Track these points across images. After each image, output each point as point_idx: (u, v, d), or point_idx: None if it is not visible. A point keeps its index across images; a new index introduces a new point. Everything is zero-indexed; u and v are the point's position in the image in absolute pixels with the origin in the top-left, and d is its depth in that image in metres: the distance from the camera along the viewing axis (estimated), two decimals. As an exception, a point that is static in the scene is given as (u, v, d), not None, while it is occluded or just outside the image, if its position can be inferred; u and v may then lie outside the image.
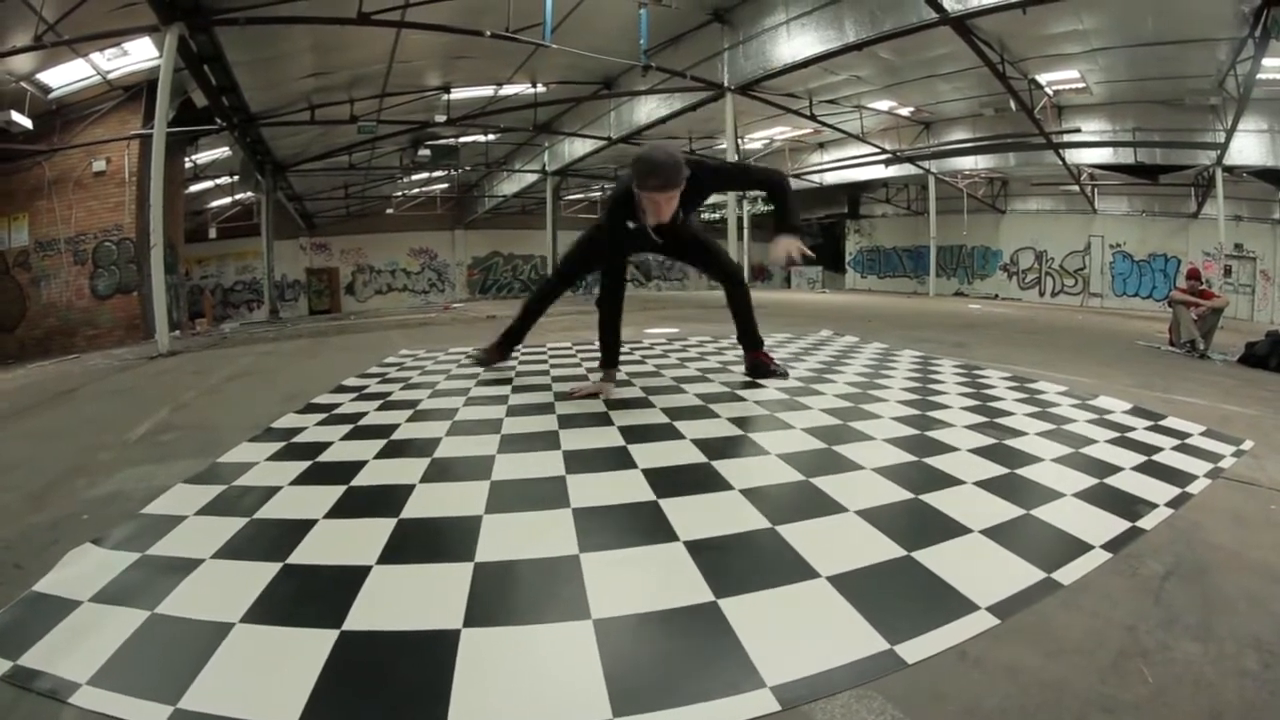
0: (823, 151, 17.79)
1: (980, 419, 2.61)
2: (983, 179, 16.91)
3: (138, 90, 8.86)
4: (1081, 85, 10.66)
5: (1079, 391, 3.23)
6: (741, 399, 2.93)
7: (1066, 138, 11.83)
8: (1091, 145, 11.99)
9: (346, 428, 2.56)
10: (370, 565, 1.41)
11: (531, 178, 18.94)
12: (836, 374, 3.59)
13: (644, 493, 1.76)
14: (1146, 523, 1.61)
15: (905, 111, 13.94)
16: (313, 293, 19.55)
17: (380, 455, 2.18)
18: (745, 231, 21.15)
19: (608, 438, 2.29)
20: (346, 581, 1.33)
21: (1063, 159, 12.29)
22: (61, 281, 9.18)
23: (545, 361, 4.20)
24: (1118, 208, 15.09)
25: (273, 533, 1.59)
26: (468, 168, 17.93)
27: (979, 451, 2.16)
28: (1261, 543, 1.50)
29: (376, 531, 1.57)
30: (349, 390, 3.37)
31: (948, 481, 1.86)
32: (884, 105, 13.58)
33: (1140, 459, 2.16)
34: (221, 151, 12.48)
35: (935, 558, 1.39)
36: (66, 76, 8.51)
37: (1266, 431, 2.64)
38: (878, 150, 14.86)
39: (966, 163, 14.94)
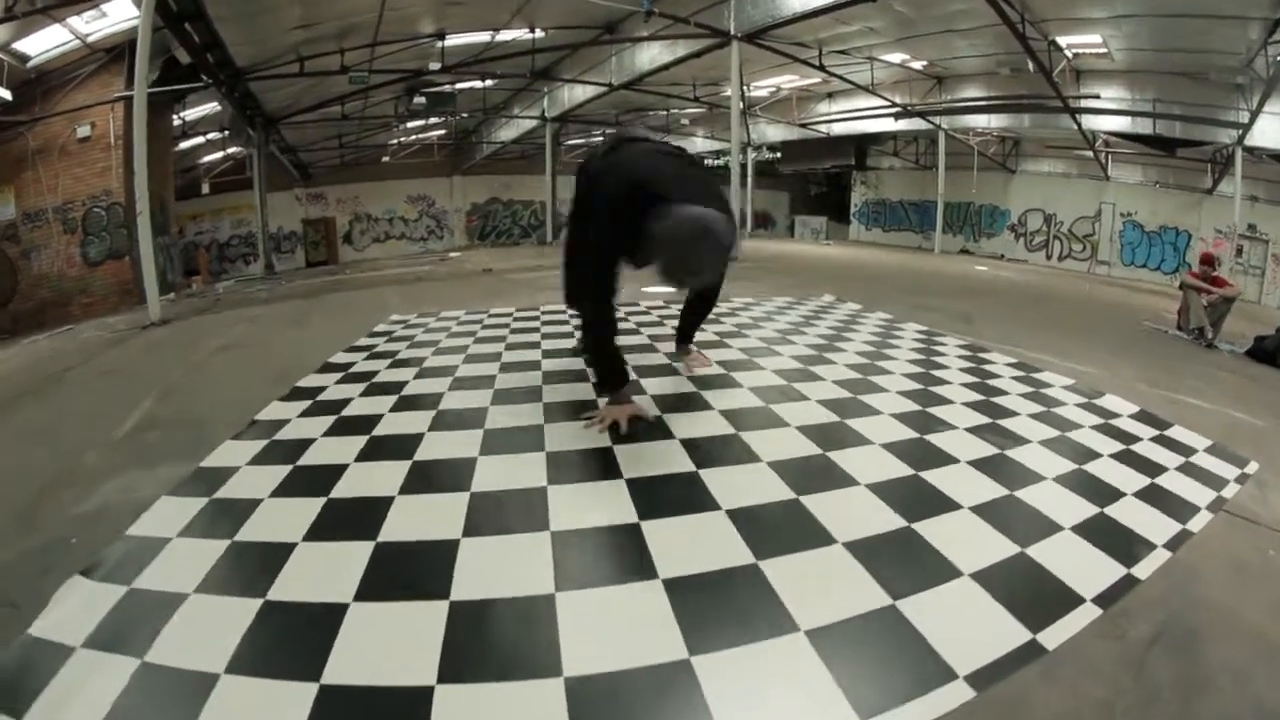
0: (831, 101, 17.22)
1: (983, 419, 2.55)
2: (994, 137, 16.39)
3: (119, 51, 8.49)
4: (1103, 51, 10.16)
5: (1085, 386, 3.17)
6: (738, 384, 2.84)
7: (1084, 103, 11.38)
8: (1109, 113, 11.53)
9: (329, 420, 2.51)
10: (347, 604, 1.40)
11: (530, 124, 18.44)
12: (837, 353, 3.50)
13: (628, 513, 1.72)
14: (1143, 569, 1.57)
15: (918, 65, 13.40)
16: (310, 244, 19.23)
17: (361, 457, 2.14)
18: (749, 179, 20.78)
19: (595, 437, 2.22)
20: (325, 623, 1.33)
21: (1079, 124, 11.83)
22: (52, 251, 9.01)
23: (537, 331, 4.04)
24: (1131, 176, 14.63)
25: (253, 559, 1.58)
26: (464, 115, 17.41)
27: (979, 464, 2.11)
28: (1256, 601, 1.49)
29: (353, 560, 1.55)
30: (335, 369, 3.30)
31: (944, 505, 1.82)
32: (896, 58, 13.04)
33: (1144, 482, 2.10)
34: (211, 107, 12.04)
35: (920, 609, 1.36)
36: (44, 43, 8.17)
37: (1272, 450, 2.58)
38: (888, 104, 14.36)
39: (979, 121, 14.44)
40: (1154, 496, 2.01)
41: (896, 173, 20.87)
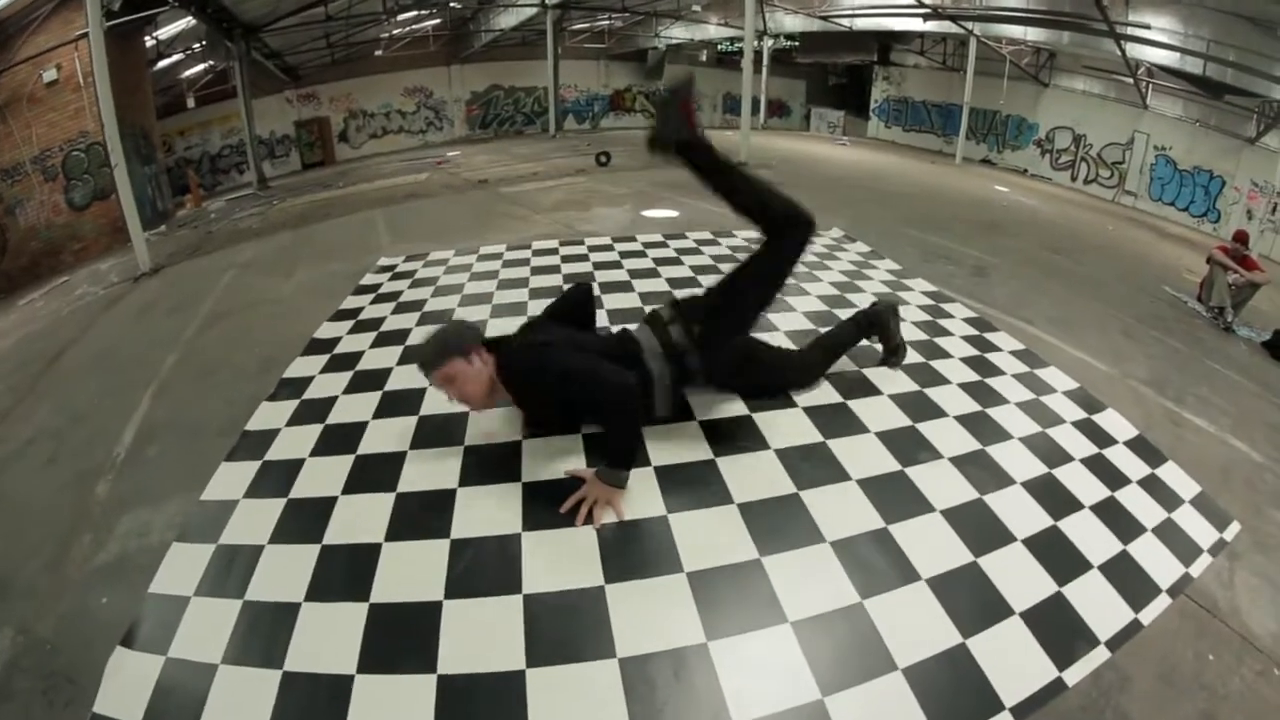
0: (855, -8, 15.86)
1: (972, 443, 2.49)
2: (1029, 48, 15.10)
3: (74, -14, 7.85)
4: (1162, -23, 9.15)
5: (1089, 390, 3.04)
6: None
7: (1131, 30, 10.33)
8: (1157, 45, 10.48)
9: (316, 430, 2.59)
10: (352, 675, 1.58)
11: (531, 11, 17.19)
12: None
13: (595, 575, 1.83)
14: (1075, 672, 1.61)
15: (954, -40, 12.23)
16: (304, 146, 18.52)
17: (348, 488, 2.24)
18: (764, 67, 19.51)
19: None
20: (338, 692, 1.54)
21: (1122, 51, 10.77)
22: (36, 203, 8.76)
23: (525, 286, 4.09)
24: (1170, 109, 13.45)
25: (265, 623, 1.74)
26: (457, 4, 16.19)
27: (951, 514, 2.09)
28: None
29: (351, 623, 1.72)
30: (321, 348, 3.35)
31: (902, 576, 1.82)
32: (930, -48, 11.89)
33: (1116, 549, 2.08)
34: (185, 22, 11.16)
35: (843, 706, 1.48)
36: (-11, -4, 7.63)
37: (1260, 505, 2.48)
38: (916, 4, 13.21)
39: (1014, 30, 13.26)
40: (1119, 572, 1.98)
41: (921, 71, 19.58)
